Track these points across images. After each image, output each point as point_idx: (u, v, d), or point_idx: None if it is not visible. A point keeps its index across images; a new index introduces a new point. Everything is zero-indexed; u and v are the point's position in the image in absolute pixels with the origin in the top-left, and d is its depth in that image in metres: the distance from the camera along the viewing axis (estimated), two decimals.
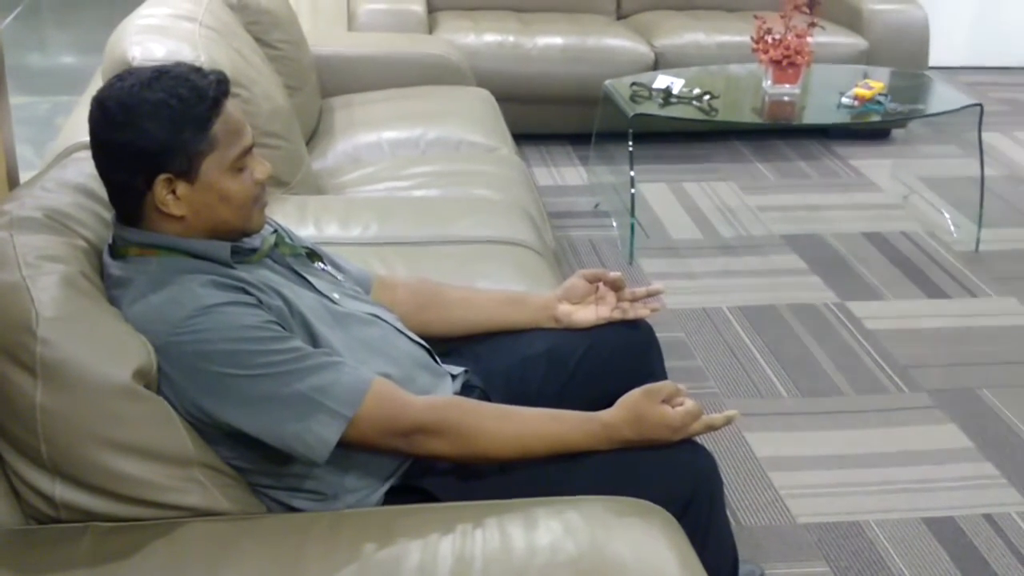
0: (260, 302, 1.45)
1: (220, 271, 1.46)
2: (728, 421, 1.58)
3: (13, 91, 2.01)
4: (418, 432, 1.46)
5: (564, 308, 1.84)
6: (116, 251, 1.49)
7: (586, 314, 1.83)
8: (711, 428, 1.56)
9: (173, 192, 1.44)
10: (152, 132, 1.41)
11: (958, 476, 2.45)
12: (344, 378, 1.43)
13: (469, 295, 1.88)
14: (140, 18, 2.52)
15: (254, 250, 1.55)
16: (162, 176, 1.43)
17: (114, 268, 1.48)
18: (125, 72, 1.48)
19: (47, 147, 2.65)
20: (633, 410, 1.52)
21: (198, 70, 1.47)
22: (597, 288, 1.84)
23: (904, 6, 4.63)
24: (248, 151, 1.49)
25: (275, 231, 1.62)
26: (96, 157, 1.47)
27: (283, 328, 1.44)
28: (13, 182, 1.99)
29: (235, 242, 1.51)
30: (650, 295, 1.86)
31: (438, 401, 1.53)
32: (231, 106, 1.47)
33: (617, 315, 1.82)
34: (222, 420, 1.40)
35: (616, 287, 1.84)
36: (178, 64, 1.49)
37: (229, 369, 1.38)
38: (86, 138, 2.30)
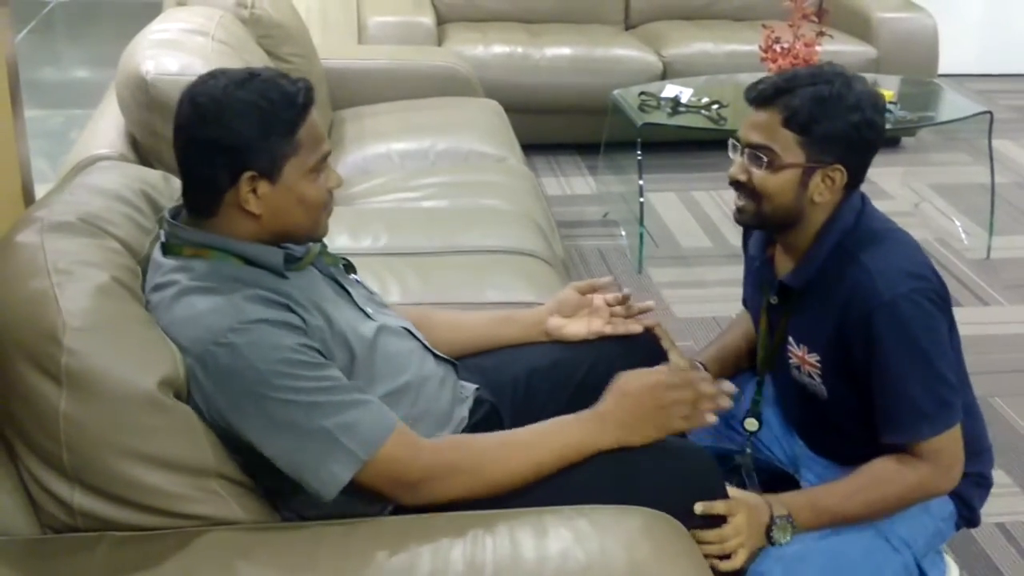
0: (304, 321, 1.45)
1: (268, 284, 1.47)
2: (718, 389, 1.55)
3: (27, 105, 2.03)
4: (428, 479, 1.43)
5: (555, 321, 1.83)
6: (169, 249, 1.51)
7: (578, 328, 1.82)
8: (701, 394, 1.53)
9: (254, 191, 1.46)
10: (242, 131, 1.44)
11: None
12: (368, 419, 1.41)
13: (458, 317, 1.88)
14: (153, 32, 2.54)
15: (300, 257, 1.57)
16: (247, 174, 1.45)
17: (164, 267, 1.49)
18: (216, 71, 1.51)
19: (61, 160, 2.66)
20: (618, 390, 1.52)
21: (286, 76, 1.50)
22: (591, 301, 1.84)
23: (913, 14, 4.63)
24: (326, 158, 1.52)
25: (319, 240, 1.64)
26: (182, 151, 1.49)
27: (321, 353, 1.44)
28: (28, 195, 2.01)
29: (287, 249, 1.53)
30: (642, 312, 1.85)
31: (441, 444, 1.50)
32: (315, 114, 1.50)
33: (609, 330, 1.81)
34: (243, 436, 1.41)
35: (621, 301, 1.83)
36: (267, 68, 1.53)
37: (259, 388, 1.38)
38: (101, 151, 2.35)
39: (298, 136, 1.47)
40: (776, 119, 1.62)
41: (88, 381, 1.33)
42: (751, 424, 1.90)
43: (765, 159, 1.64)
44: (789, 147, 1.62)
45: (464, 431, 1.62)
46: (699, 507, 1.52)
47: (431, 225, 2.58)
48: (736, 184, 1.69)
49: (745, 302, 2.03)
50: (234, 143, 1.44)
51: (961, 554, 2.22)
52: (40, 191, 1.85)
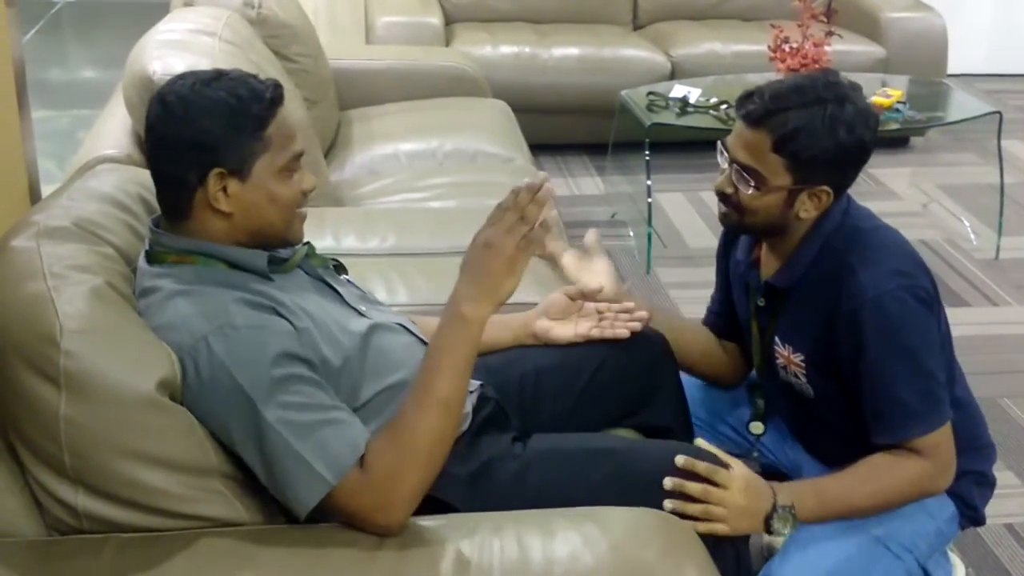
0: (292, 325, 1.44)
1: (254, 288, 1.47)
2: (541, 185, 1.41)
3: (34, 105, 2.03)
4: (382, 493, 1.37)
5: (543, 324, 1.83)
6: (153, 257, 1.50)
7: (564, 331, 1.81)
8: (520, 204, 1.40)
9: (224, 189, 1.46)
10: (211, 128, 1.44)
11: None
12: (339, 441, 1.37)
13: None
14: (160, 33, 2.54)
15: (286, 259, 1.56)
16: (216, 171, 1.45)
17: (149, 274, 1.49)
18: (185, 72, 1.52)
19: (69, 161, 2.67)
20: (459, 270, 1.45)
21: (254, 76, 1.51)
22: (581, 305, 1.83)
23: (922, 14, 4.62)
24: (298, 158, 1.52)
25: (307, 243, 1.63)
26: (152, 151, 1.50)
27: (305, 361, 1.42)
28: (35, 195, 2.01)
29: (272, 251, 1.52)
30: (624, 311, 1.84)
31: (369, 462, 1.39)
32: (285, 112, 1.50)
33: (596, 334, 1.81)
34: (223, 436, 1.40)
35: (625, 309, 1.82)
36: (235, 68, 1.53)
37: (235, 398, 1.37)
38: (108, 151, 2.35)
39: (268, 133, 1.47)
40: (766, 142, 1.60)
41: (87, 383, 1.33)
42: (756, 428, 1.89)
43: (752, 181, 1.63)
44: (777, 171, 1.61)
45: (470, 429, 1.61)
46: (680, 460, 1.50)
47: (438, 226, 2.57)
48: (722, 196, 1.69)
49: (709, 313, 2.01)
50: (202, 140, 1.44)
51: (969, 555, 2.21)
52: (47, 191, 1.85)
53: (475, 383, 1.71)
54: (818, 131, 1.57)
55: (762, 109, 1.60)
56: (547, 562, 1.35)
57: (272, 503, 1.47)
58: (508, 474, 1.55)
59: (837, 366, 1.67)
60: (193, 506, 1.39)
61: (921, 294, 1.62)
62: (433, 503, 1.49)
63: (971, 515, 1.82)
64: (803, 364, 1.71)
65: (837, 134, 1.58)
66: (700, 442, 1.62)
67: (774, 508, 1.58)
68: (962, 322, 3.26)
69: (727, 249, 1.90)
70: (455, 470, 1.52)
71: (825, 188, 1.63)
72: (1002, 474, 2.50)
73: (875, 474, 1.64)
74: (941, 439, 1.64)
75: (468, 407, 1.64)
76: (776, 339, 1.76)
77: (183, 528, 1.39)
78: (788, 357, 1.73)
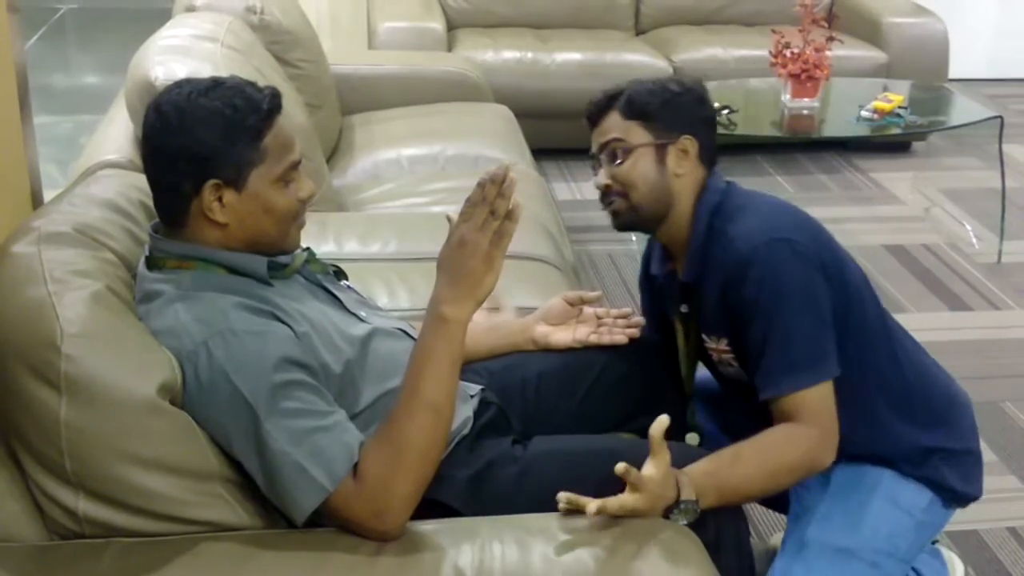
0: (292, 329, 1.44)
1: (254, 293, 1.47)
2: (506, 172, 1.41)
3: (37, 110, 2.03)
4: (375, 489, 1.36)
5: (541, 329, 1.83)
6: (153, 262, 1.51)
7: (563, 336, 1.82)
8: (487, 198, 1.39)
9: (219, 199, 1.46)
10: (206, 138, 1.43)
11: None
12: (336, 446, 1.37)
13: None
14: (162, 39, 2.55)
15: (286, 265, 1.56)
16: (211, 182, 1.44)
17: (148, 279, 1.49)
18: (182, 80, 1.51)
19: (71, 166, 2.67)
20: (437, 266, 1.46)
21: (252, 84, 1.50)
22: (580, 311, 1.84)
23: (923, 19, 4.62)
24: (295, 167, 1.51)
25: (307, 248, 1.63)
26: (148, 160, 1.49)
27: (304, 366, 1.42)
28: (37, 200, 2.01)
29: (271, 257, 1.52)
30: (621, 316, 1.85)
31: (362, 468, 1.38)
32: (282, 121, 1.50)
33: (594, 339, 1.81)
34: (222, 441, 1.40)
35: (623, 315, 1.83)
36: (233, 76, 1.52)
37: (233, 403, 1.37)
38: (110, 156, 2.35)
39: (264, 143, 1.46)
40: (616, 116, 1.74)
41: (87, 387, 1.33)
42: (692, 439, 1.85)
43: (619, 151, 1.72)
44: (636, 133, 1.72)
45: (471, 432, 1.61)
46: (620, 468, 1.41)
47: (441, 231, 2.56)
48: (605, 190, 1.76)
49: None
50: (198, 151, 1.43)
51: (972, 558, 2.20)
52: (49, 196, 1.85)
53: (476, 387, 1.71)
54: (652, 91, 1.75)
55: (604, 100, 1.78)
56: (548, 566, 1.35)
57: (273, 507, 1.47)
58: (509, 476, 1.55)
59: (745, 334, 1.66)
60: (194, 510, 1.39)
61: (799, 248, 1.62)
62: (434, 506, 1.49)
63: (951, 495, 1.77)
64: (729, 348, 1.72)
65: (669, 88, 1.76)
66: (663, 419, 1.57)
67: (677, 503, 1.52)
68: (964, 326, 3.26)
69: (647, 276, 1.92)
70: (456, 473, 1.52)
71: (687, 138, 1.73)
72: (1005, 478, 2.50)
73: (767, 457, 1.60)
74: (822, 403, 1.61)
75: (470, 411, 1.64)
76: (703, 336, 1.76)
77: (184, 532, 1.39)
78: (717, 348, 1.74)
